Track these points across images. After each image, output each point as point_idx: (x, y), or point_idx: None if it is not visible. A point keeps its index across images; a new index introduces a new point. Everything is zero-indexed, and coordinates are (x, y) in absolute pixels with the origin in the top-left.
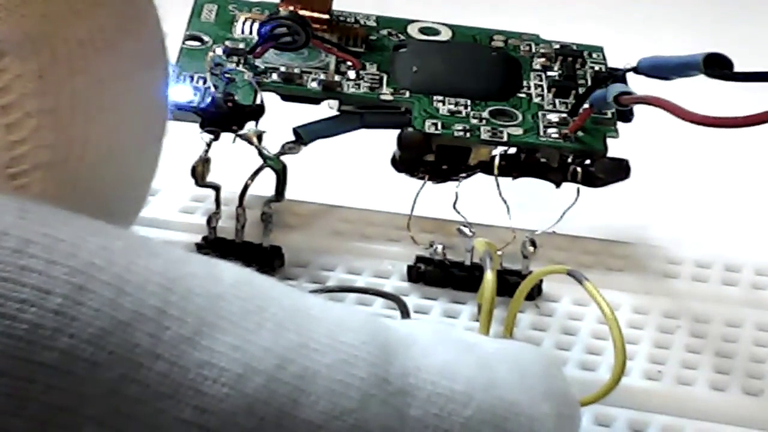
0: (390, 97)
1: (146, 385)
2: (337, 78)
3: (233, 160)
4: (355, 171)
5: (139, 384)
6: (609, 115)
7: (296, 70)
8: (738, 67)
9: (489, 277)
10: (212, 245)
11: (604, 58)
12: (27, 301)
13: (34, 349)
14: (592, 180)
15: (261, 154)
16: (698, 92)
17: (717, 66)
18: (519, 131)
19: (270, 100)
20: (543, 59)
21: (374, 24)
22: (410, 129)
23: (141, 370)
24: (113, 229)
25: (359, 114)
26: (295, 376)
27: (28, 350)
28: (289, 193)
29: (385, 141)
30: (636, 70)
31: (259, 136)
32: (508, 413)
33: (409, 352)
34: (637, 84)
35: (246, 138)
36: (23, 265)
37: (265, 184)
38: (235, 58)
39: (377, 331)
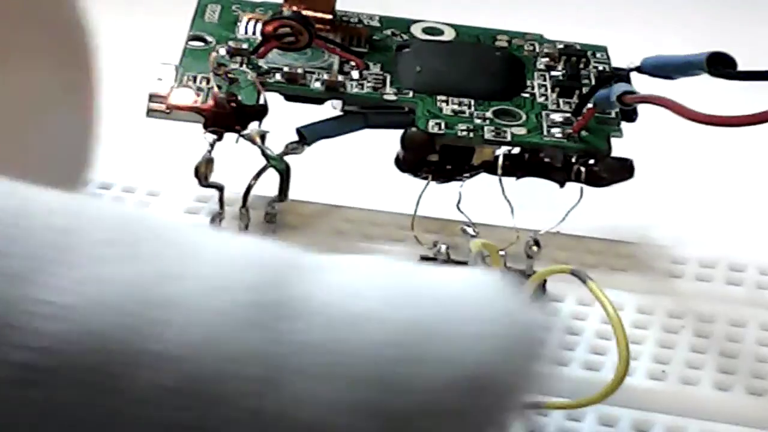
0: (393, 97)
1: None
2: (340, 78)
3: (237, 160)
4: (359, 171)
5: None
6: (613, 115)
7: (299, 70)
8: (742, 66)
9: None
10: None
11: (608, 58)
12: None
13: None
14: (596, 180)
15: (264, 154)
16: (703, 91)
17: (720, 65)
18: (522, 131)
19: (273, 100)
20: (547, 59)
21: (377, 24)
22: (414, 129)
23: None
24: None
25: (363, 114)
26: (157, 305)
27: None
28: (293, 194)
29: (388, 141)
30: (639, 69)
31: (263, 136)
32: (422, 336)
33: (315, 276)
34: (642, 83)
35: (249, 138)
36: None
37: (268, 185)
38: (238, 59)
39: (279, 255)
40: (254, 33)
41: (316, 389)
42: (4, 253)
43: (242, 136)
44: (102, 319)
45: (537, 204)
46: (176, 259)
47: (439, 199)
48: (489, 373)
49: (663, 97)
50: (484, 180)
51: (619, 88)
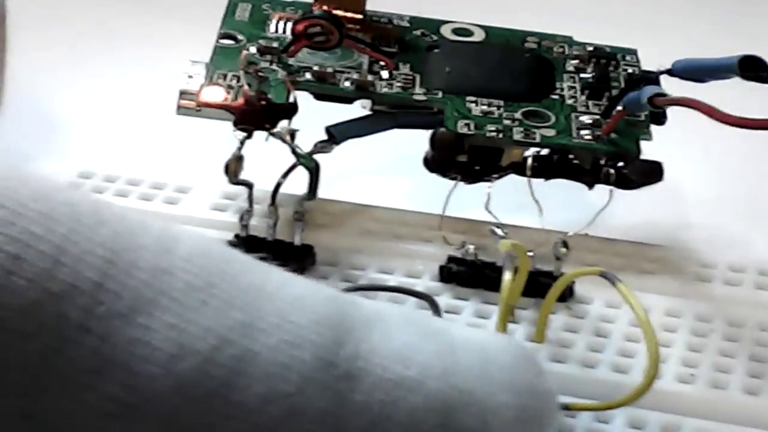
0: (423, 97)
1: (73, 359)
2: (370, 78)
3: (267, 158)
4: (388, 171)
5: (66, 358)
6: (642, 118)
7: (329, 70)
8: None
9: (506, 278)
10: (244, 243)
11: (638, 61)
12: None
13: None
14: (625, 182)
15: (294, 152)
16: (733, 94)
17: (752, 68)
18: (552, 132)
19: (303, 99)
20: (576, 61)
21: (407, 24)
22: (443, 129)
23: (68, 344)
24: (62, 193)
25: (392, 114)
26: (233, 357)
27: None
28: (322, 192)
29: (417, 141)
30: (670, 72)
31: (292, 135)
32: (458, 402)
33: (366, 334)
34: (671, 86)
35: (279, 136)
36: None
37: (297, 183)
38: (268, 57)
39: (336, 310)
40: (284, 32)
41: None
42: (113, 291)
43: (272, 134)
44: (186, 365)
45: (566, 206)
46: (250, 310)
47: (468, 199)
48: None
49: (695, 99)
50: (513, 181)
51: (650, 90)
